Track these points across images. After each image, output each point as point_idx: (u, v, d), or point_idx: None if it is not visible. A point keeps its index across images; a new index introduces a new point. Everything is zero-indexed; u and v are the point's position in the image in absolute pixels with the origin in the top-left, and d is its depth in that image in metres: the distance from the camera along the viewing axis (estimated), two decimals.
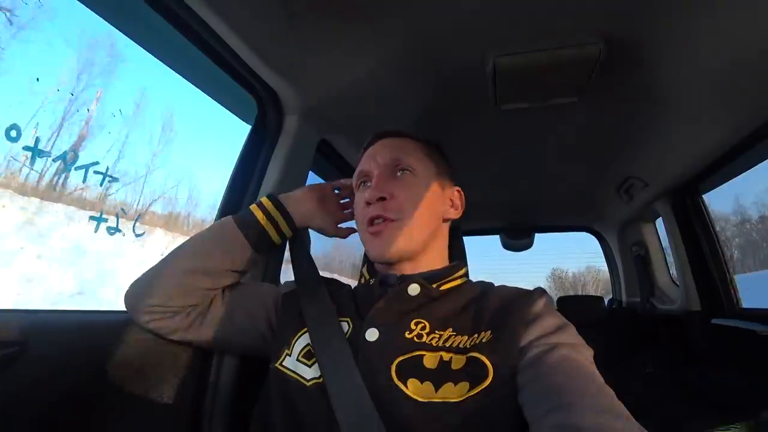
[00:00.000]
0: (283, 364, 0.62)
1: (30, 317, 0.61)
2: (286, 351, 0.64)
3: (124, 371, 0.68)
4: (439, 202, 0.75)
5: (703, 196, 1.62)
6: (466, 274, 0.75)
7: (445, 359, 0.54)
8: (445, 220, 0.77)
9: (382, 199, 0.69)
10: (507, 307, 0.60)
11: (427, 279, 0.67)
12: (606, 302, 2.33)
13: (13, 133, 0.66)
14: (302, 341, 0.64)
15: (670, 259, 1.90)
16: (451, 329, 0.59)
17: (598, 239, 2.46)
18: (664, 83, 1.02)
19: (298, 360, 0.62)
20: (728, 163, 1.33)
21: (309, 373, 0.59)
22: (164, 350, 0.76)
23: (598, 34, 0.84)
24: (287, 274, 0.99)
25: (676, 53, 0.90)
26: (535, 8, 0.79)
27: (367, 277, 0.75)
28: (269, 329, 0.73)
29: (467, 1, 0.77)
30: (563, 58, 0.88)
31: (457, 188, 0.81)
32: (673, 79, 1.00)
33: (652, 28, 0.83)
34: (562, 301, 2.23)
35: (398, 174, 0.72)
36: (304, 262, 0.82)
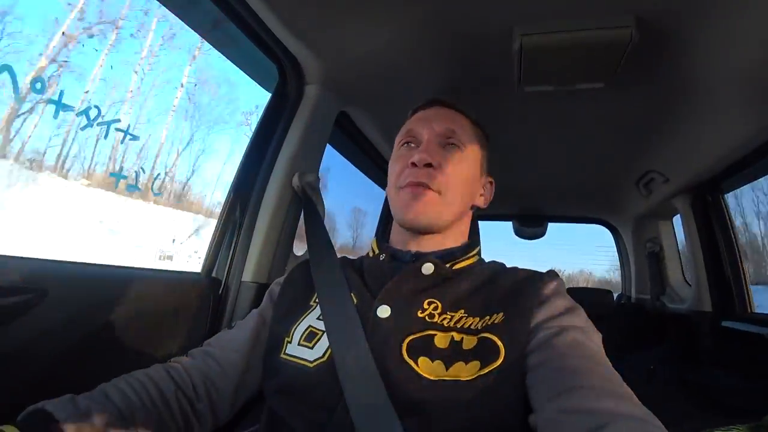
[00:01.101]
0: (286, 352, 0.61)
1: (51, 266, 0.63)
2: (287, 339, 0.64)
3: (137, 322, 0.71)
4: (475, 186, 0.74)
5: (725, 195, 1.58)
6: (479, 254, 0.75)
7: (456, 339, 0.54)
8: (472, 207, 0.76)
9: (429, 165, 0.67)
10: (519, 289, 0.60)
11: (440, 258, 0.67)
12: (615, 297, 2.32)
13: (38, 85, 0.67)
14: (304, 324, 0.64)
15: (684, 257, 1.87)
16: (463, 311, 0.58)
17: (611, 232, 2.43)
18: (693, 75, 0.98)
19: (299, 345, 0.61)
20: (753, 163, 1.29)
21: (311, 354, 0.59)
22: (174, 303, 0.79)
23: (630, 17, 0.81)
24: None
25: (709, 44, 0.87)
26: None
27: (377, 251, 0.74)
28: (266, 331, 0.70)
29: None
30: (593, 40, 0.86)
31: (491, 179, 0.80)
32: (704, 72, 0.97)
33: (687, 15, 0.80)
34: (570, 292, 2.22)
35: (447, 146, 0.70)
36: (317, 231, 0.83)
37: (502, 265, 0.71)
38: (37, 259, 0.62)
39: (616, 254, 2.50)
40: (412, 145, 0.73)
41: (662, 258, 2.03)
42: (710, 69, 0.95)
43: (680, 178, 1.56)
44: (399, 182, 0.69)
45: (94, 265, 0.72)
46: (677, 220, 1.91)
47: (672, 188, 1.63)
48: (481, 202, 0.77)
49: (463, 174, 0.70)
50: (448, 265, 0.66)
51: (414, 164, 0.67)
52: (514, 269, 0.67)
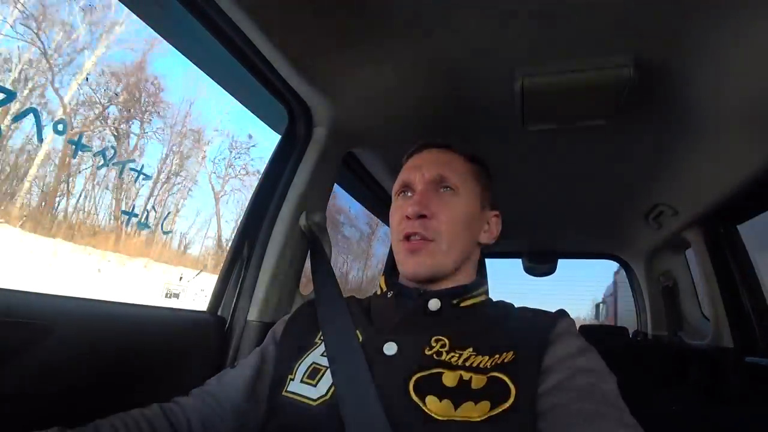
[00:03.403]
0: (288, 389, 0.60)
1: (58, 302, 0.63)
2: (290, 377, 0.62)
3: (142, 360, 0.71)
4: (476, 225, 0.73)
5: (737, 227, 1.56)
6: (487, 292, 0.74)
7: (464, 378, 0.53)
8: (478, 244, 0.75)
9: (423, 216, 0.67)
10: (529, 328, 0.59)
11: (448, 295, 0.66)
12: (630, 334, 2.25)
13: (60, 127, 0.70)
14: (308, 361, 0.63)
15: (701, 291, 1.82)
16: (471, 348, 0.57)
17: (624, 268, 2.38)
18: (696, 109, 1.00)
19: (302, 382, 0.60)
20: (763, 193, 1.28)
21: (314, 392, 0.57)
22: (180, 341, 0.79)
23: (629, 56, 0.84)
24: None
25: (709, 78, 0.89)
26: (565, 29, 0.79)
27: (384, 288, 0.73)
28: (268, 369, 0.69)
29: (496, 20, 0.78)
30: (592, 79, 0.88)
31: (495, 212, 0.78)
32: (706, 105, 0.98)
33: (684, 51, 0.82)
34: (584, 330, 2.16)
35: (441, 190, 0.71)
36: (323, 270, 0.83)
37: (511, 304, 0.70)
38: (43, 294, 0.63)
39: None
40: (408, 194, 0.73)
41: (677, 293, 1.98)
42: (712, 102, 0.97)
43: (690, 211, 1.54)
44: (398, 234, 0.70)
45: (100, 301, 0.72)
46: (690, 252, 1.88)
47: (682, 221, 1.61)
48: (485, 238, 0.76)
49: (460, 217, 0.69)
50: (455, 302, 0.66)
51: (408, 217, 0.68)
52: (524, 309, 0.66)
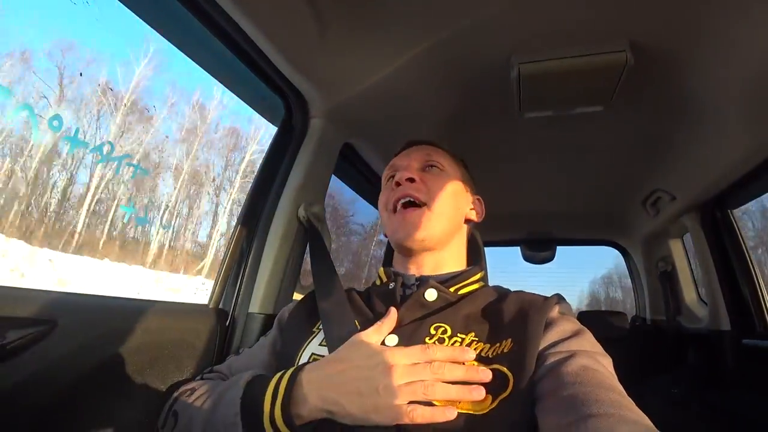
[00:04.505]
0: None
1: (60, 298, 0.63)
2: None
3: (145, 353, 0.71)
4: (463, 201, 0.77)
5: (734, 211, 1.56)
6: (483, 279, 0.75)
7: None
8: (466, 221, 0.79)
9: (411, 180, 0.71)
10: (525, 313, 0.59)
11: (443, 283, 0.68)
12: (629, 319, 2.26)
13: (55, 123, 0.70)
14: (307, 352, 0.64)
15: (698, 275, 1.84)
16: (473, 333, 0.58)
17: (622, 254, 2.39)
18: (693, 93, 1.00)
19: None
20: (760, 178, 1.28)
21: None
22: (182, 335, 0.79)
23: (624, 41, 0.84)
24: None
25: (705, 62, 0.88)
26: (561, 15, 0.79)
27: (384, 279, 0.74)
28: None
29: (492, 7, 0.78)
30: (589, 65, 0.88)
31: (478, 197, 0.84)
32: (703, 89, 0.98)
33: (681, 36, 0.82)
34: (582, 315, 2.18)
35: (427, 168, 0.76)
36: (323, 261, 0.84)
37: (507, 290, 0.70)
38: (47, 290, 0.63)
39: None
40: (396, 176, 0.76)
41: (675, 277, 1.99)
42: (709, 86, 0.96)
43: (687, 196, 1.55)
44: (388, 206, 0.73)
45: (103, 296, 0.73)
46: (688, 238, 1.88)
47: (680, 206, 1.62)
48: (473, 216, 0.80)
49: (447, 186, 0.73)
50: (452, 290, 0.67)
51: (398, 183, 0.71)
52: (520, 293, 0.67)
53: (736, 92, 0.96)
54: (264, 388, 0.52)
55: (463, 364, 0.52)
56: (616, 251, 2.40)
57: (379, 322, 0.58)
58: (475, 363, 0.54)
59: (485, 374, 0.50)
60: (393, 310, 0.60)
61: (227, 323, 0.91)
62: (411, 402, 0.48)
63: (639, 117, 1.13)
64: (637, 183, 1.60)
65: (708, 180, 1.40)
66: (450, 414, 0.47)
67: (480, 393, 0.48)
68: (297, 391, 0.51)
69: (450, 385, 0.49)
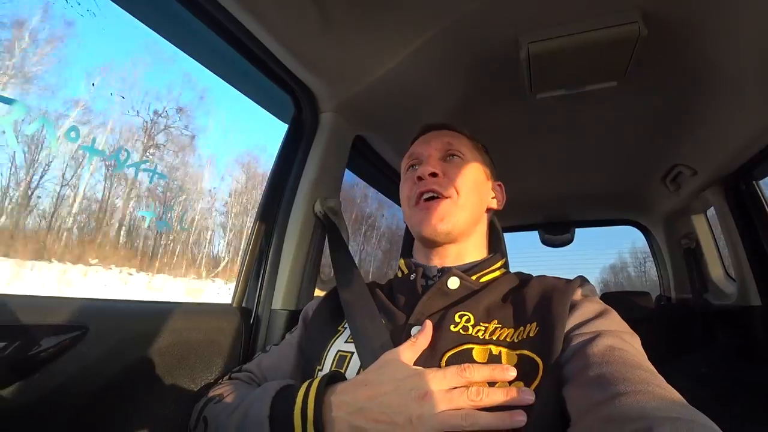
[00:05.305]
0: None
1: (91, 304, 0.65)
2: (318, 367, 0.63)
3: (173, 354, 0.73)
4: (484, 190, 0.77)
5: (759, 182, 1.51)
6: (505, 266, 0.75)
7: (494, 353, 0.53)
8: (487, 210, 0.78)
9: (434, 175, 0.70)
10: (549, 296, 0.59)
11: (466, 271, 0.67)
12: (654, 299, 2.22)
13: (73, 134, 0.71)
14: (333, 350, 0.64)
15: (724, 251, 1.79)
16: (496, 321, 0.58)
17: (643, 233, 2.35)
18: (709, 62, 0.96)
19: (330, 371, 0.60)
20: None
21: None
22: (208, 335, 0.81)
23: (636, 11, 0.81)
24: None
25: (721, 29, 0.85)
26: None
27: (406, 271, 0.74)
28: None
29: None
30: (599, 40, 0.86)
31: (498, 183, 0.83)
32: (719, 57, 0.94)
33: (694, 2, 0.79)
34: (605, 297, 2.14)
35: (448, 158, 0.75)
36: (342, 255, 0.84)
37: (529, 275, 0.70)
38: (77, 298, 0.65)
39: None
40: (416, 166, 0.76)
41: (700, 254, 1.94)
42: (725, 53, 0.93)
43: (709, 170, 1.50)
44: (410, 200, 0.72)
45: (129, 301, 0.75)
46: (711, 213, 1.83)
47: (702, 181, 1.57)
48: (494, 204, 0.80)
49: (469, 176, 0.72)
50: (474, 278, 0.66)
51: (420, 178, 0.70)
52: (542, 278, 0.66)
53: (755, 59, 0.93)
54: (291, 406, 0.51)
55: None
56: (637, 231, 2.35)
57: (413, 338, 0.56)
58: (503, 349, 0.54)
59: (526, 396, 0.48)
60: (428, 324, 0.57)
61: (251, 321, 0.93)
62: None
63: (654, 91, 1.10)
64: (656, 159, 1.56)
65: (730, 152, 1.36)
66: None
67: (522, 419, 0.46)
68: (326, 415, 0.49)
69: (489, 414, 0.47)
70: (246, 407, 0.56)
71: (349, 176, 1.20)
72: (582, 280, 0.64)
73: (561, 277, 0.66)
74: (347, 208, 1.08)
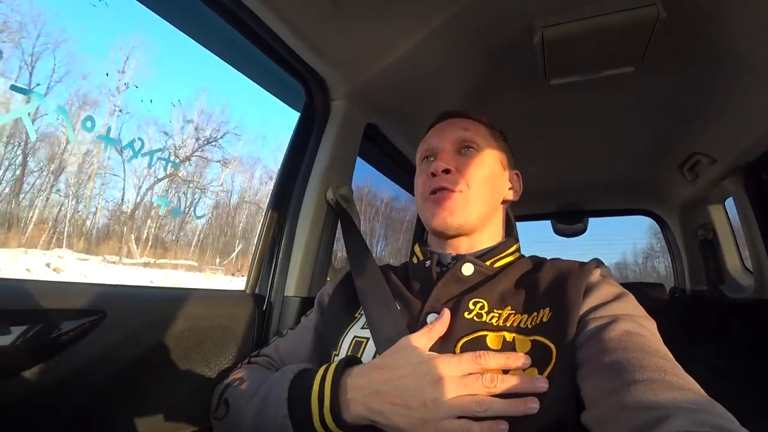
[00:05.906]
0: None
1: (107, 290, 0.67)
2: (334, 352, 0.64)
3: (188, 340, 0.74)
4: (500, 182, 0.75)
5: None
6: (519, 250, 0.74)
7: (508, 339, 0.54)
8: (503, 202, 0.77)
9: (447, 171, 0.70)
10: (563, 280, 0.58)
11: (479, 257, 0.68)
12: (668, 291, 2.19)
13: (89, 124, 0.73)
14: (349, 336, 0.65)
15: (741, 242, 1.75)
16: (509, 307, 0.58)
17: (658, 223, 2.31)
18: (731, 47, 0.93)
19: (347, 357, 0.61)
20: None
21: None
22: (222, 321, 0.82)
23: None
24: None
25: (744, 12, 0.82)
26: None
27: (421, 257, 0.74)
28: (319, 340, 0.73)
29: None
30: (616, 23, 0.83)
31: (516, 171, 0.82)
32: (741, 42, 0.91)
33: None
34: None
35: (463, 150, 0.73)
36: (355, 241, 0.85)
37: (543, 258, 0.70)
38: (95, 283, 0.67)
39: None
40: (431, 158, 0.76)
41: (717, 245, 1.90)
42: (748, 38, 0.90)
43: (729, 158, 1.46)
44: (424, 193, 0.72)
45: (145, 287, 0.77)
46: (729, 203, 1.79)
47: (720, 170, 1.53)
48: (510, 195, 0.78)
49: (484, 172, 0.71)
50: (488, 263, 0.66)
51: (433, 174, 0.70)
52: (556, 261, 0.66)
53: None
54: (309, 389, 0.52)
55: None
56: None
57: (430, 325, 0.56)
58: (516, 335, 0.54)
59: (541, 383, 0.48)
60: (446, 312, 0.58)
61: (264, 308, 0.94)
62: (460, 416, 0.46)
63: (673, 77, 1.07)
64: (673, 147, 1.52)
65: (751, 140, 1.32)
66: (501, 428, 0.45)
67: (535, 406, 0.46)
68: (342, 397, 0.51)
69: (502, 400, 0.47)
70: (266, 390, 0.57)
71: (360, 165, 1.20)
72: (597, 263, 0.64)
73: (575, 260, 0.65)
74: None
